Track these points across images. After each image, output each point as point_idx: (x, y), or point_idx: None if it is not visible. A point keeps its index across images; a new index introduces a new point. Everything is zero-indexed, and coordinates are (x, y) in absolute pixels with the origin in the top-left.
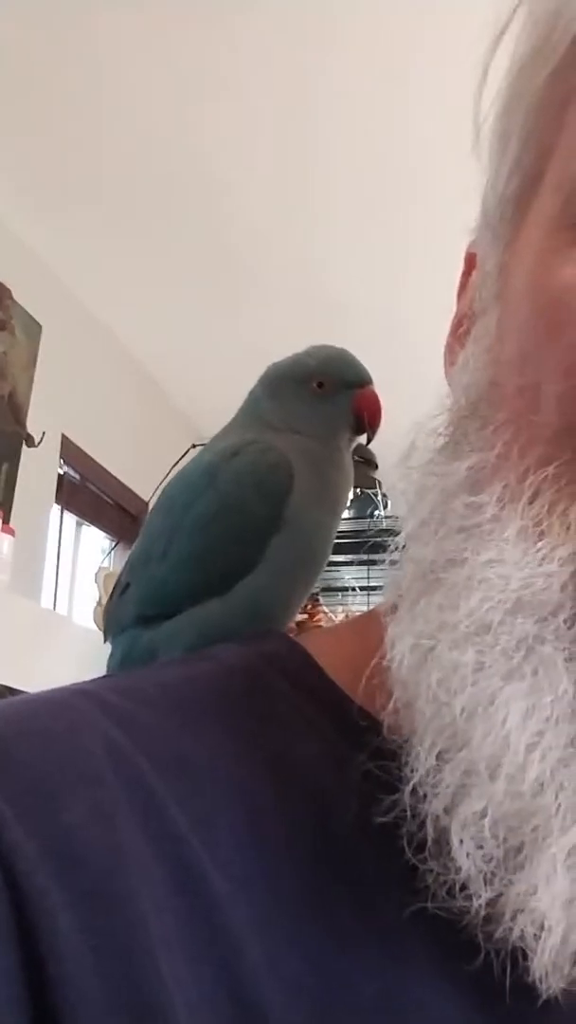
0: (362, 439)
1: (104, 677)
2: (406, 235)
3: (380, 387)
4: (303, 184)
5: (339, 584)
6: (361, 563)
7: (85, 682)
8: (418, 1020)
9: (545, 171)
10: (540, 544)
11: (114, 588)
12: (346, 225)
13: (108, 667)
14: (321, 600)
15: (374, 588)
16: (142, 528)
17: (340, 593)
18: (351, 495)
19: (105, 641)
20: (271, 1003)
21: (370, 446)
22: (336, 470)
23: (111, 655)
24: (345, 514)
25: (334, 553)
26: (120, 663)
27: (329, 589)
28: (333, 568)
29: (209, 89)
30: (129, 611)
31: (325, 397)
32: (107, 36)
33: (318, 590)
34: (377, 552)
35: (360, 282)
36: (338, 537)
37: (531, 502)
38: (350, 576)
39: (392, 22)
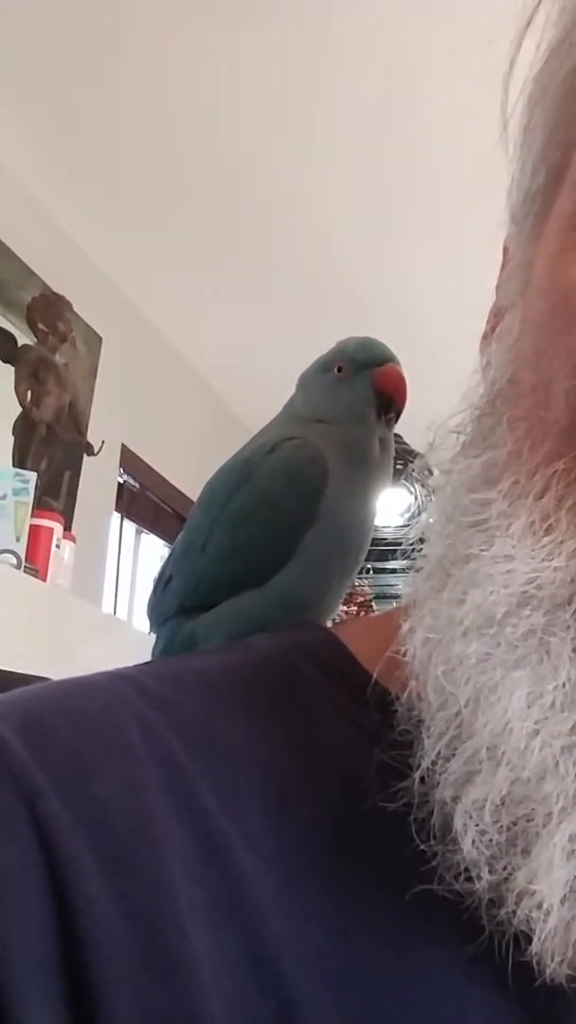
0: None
1: (144, 664)
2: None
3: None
4: (376, 197)
5: (393, 592)
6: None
7: (125, 668)
8: (431, 996)
9: (568, 165)
10: (548, 539)
11: (158, 580)
12: (421, 239)
13: (152, 655)
14: (374, 607)
15: None
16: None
17: (394, 600)
18: (389, 484)
19: (150, 632)
20: (292, 971)
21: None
22: (366, 458)
23: (154, 644)
24: (397, 520)
25: (386, 559)
26: (162, 651)
27: (383, 597)
28: (386, 574)
29: (285, 107)
30: (171, 602)
31: (344, 380)
32: (173, 44)
33: (371, 597)
34: None
35: (432, 293)
36: (390, 544)
37: (539, 497)
38: (403, 583)
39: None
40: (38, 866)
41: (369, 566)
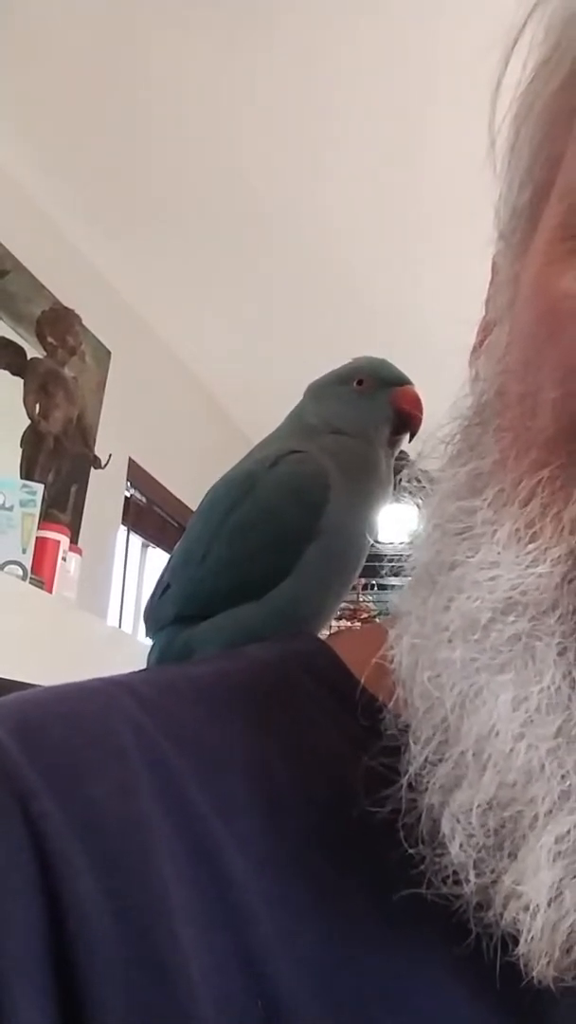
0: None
1: (139, 671)
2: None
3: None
4: (386, 214)
5: None
6: None
7: (120, 675)
8: (419, 999)
9: (554, 181)
10: (532, 546)
11: (156, 587)
12: (432, 256)
13: (148, 662)
14: None
15: None
16: (184, 532)
17: None
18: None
19: (147, 637)
20: (280, 974)
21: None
22: (373, 473)
23: (150, 651)
24: (403, 537)
25: (389, 576)
26: (158, 658)
27: (388, 614)
28: (390, 590)
29: (286, 119)
30: (168, 610)
31: (364, 394)
32: (184, 60)
33: (375, 613)
34: None
35: (443, 309)
36: (394, 561)
37: (524, 505)
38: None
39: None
40: (30, 864)
41: (373, 583)
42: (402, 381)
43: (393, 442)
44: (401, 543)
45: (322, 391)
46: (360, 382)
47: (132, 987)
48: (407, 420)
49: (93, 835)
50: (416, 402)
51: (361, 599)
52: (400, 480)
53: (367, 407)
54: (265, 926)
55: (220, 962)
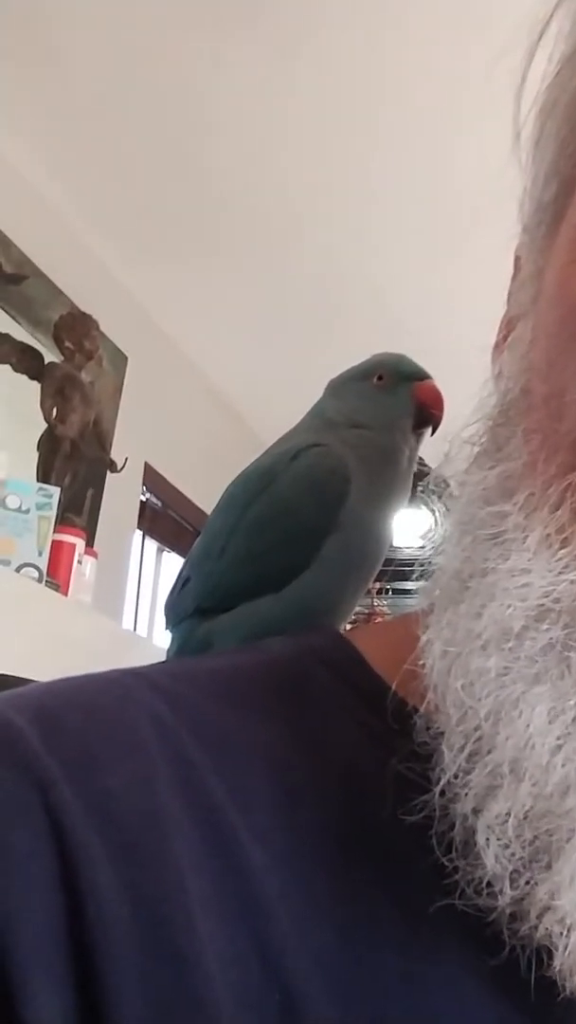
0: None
1: (158, 663)
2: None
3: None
4: (391, 218)
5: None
6: None
7: (139, 666)
8: (438, 1004)
9: None
10: (563, 552)
11: (176, 581)
12: (449, 262)
13: (167, 655)
14: None
15: None
16: (204, 525)
17: None
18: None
19: (166, 630)
20: (297, 969)
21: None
22: (394, 468)
23: (170, 643)
24: (417, 540)
25: (404, 580)
26: (178, 651)
27: None
28: (404, 594)
29: (292, 124)
30: (188, 603)
31: (385, 388)
32: (188, 66)
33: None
34: None
35: (445, 317)
36: (408, 564)
37: (555, 510)
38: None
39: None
40: (49, 852)
41: (389, 587)
42: (421, 376)
43: (415, 437)
44: (418, 547)
45: (342, 388)
46: (380, 377)
47: (149, 977)
48: (428, 414)
49: (111, 825)
50: (436, 396)
51: (376, 603)
52: (420, 485)
53: (388, 402)
54: (282, 921)
55: (237, 954)
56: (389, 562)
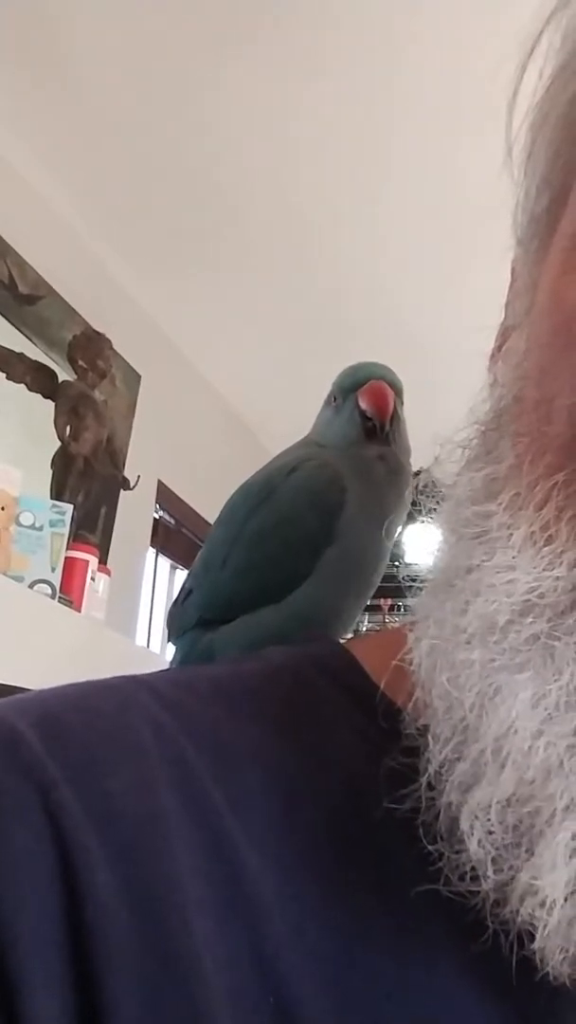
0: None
1: (160, 671)
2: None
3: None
4: (403, 233)
5: None
6: None
7: (141, 674)
8: (430, 997)
9: (571, 188)
10: (548, 549)
11: (179, 592)
12: (459, 275)
13: (170, 666)
14: None
15: None
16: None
17: None
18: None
19: (169, 642)
20: (291, 971)
21: None
22: (371, 478)
23: (173, 655)
24: (427, 558)
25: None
26: (181, 662)
27: None
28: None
29: (303, 140)
30: (191, 614)
31: (338, 407)
32: (199, 84)
33: None
34: None
35: (457, 334)
36: (417, 581)
37: (540, 508)
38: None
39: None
40: (49, 853)
41: (400, 604)
42: (364, 381)
43: (385, 445)
44: (427, 565)
45: (319, 414)
46: (335, 398)
47: (145, 977)
48: (371, 416)
49: (111, 827)
50: (374, 396)
51: (388, 620)
52: (416, 491)
53: (339, 420)
54: (278, 921)
55: (233, 955)
56: (399, 579)
